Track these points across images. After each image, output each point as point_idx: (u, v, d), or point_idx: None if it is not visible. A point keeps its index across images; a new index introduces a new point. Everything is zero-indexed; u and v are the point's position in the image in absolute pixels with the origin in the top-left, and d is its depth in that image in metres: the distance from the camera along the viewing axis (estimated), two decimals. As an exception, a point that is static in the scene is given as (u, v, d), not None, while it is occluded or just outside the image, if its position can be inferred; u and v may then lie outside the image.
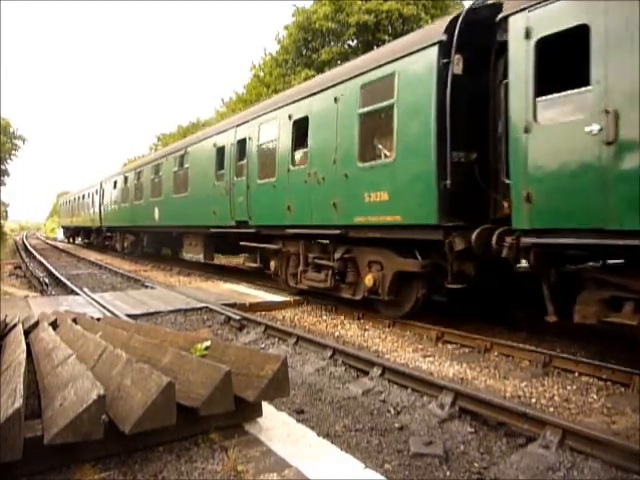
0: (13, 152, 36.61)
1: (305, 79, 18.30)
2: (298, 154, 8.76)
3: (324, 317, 7.98)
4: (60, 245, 33.42)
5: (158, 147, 38.63)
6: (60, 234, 58.28)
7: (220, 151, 11.43)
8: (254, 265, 10.61)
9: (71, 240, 37.44)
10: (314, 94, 8.08)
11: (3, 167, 36.66)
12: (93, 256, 21.80)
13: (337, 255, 7.60)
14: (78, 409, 1.97)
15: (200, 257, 13.48)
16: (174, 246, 18.60)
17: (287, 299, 9.01)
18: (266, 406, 2.75)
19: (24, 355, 2.80)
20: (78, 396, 2.07)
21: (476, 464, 3.20)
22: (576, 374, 4.88)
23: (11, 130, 35.74)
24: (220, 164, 11.46)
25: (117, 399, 2.26)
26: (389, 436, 3.60)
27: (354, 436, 3.59)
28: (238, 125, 10.59)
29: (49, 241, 42.59)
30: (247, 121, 10.13)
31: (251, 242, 10.11)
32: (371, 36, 19.99)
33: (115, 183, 21.71)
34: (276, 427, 2.60)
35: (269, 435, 2.49)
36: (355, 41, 20.95)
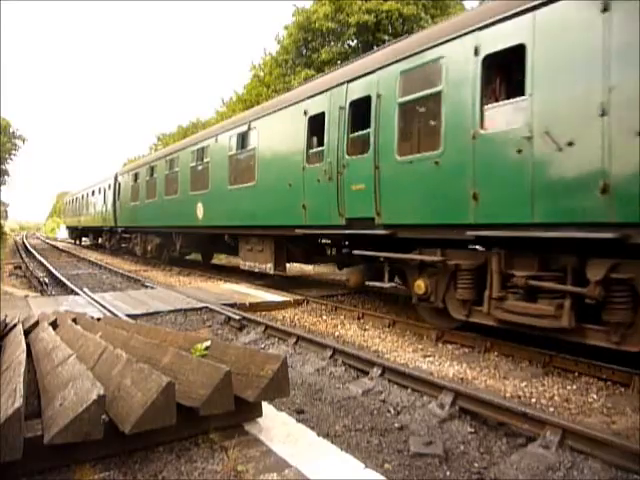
0: (13, 152, 36.61)
1: (305, 79, 18.30)
2: (495, 109, 5.43)
3: (324, 317, 7.98)
4: (60, 245, 33.40)
5: (158, 147, 38.62)
6: (60, 234, 58.32)
7: (315, 121, 8.19)
8: (376, 284, 7.17)
9: (77, 242, 35.57)
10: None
11: (3, 167, 36.65)
12: (93, 256, 21.81)
13: (594, 274, 4.48)
14: (78, 409, 1.97)
15: (266, 267, 10.15)
16: (220, 251, 15.99)
17: (287, 299, 9.01)
18: (266, 406, 2.75)
19: (24, 355, 2.80)
20: (78, 396, 2.07)
21: (476, 464, 3.20)
22: (576, 374, 4.89)
23: (11, 130, 35.73)
24: (315, 139, 8.43)
25: (117, 399, 2.26)
26: (389, 436, 3.60)
27: (354, 436, 3.59)
28: (352, 80, 7.31)
29: (49, 241, 42.53)
30: (372, 71, 6.92)
31: (371, 250, 7.05)
32: (371, 36, 19.99)
33: (136, 176, 18.55)
34: (276, 427, 2.60)
35: (269, 435, 2.49)
36: (355, 41, 20.95)
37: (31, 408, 2.37)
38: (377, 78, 6.77)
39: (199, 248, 16.47)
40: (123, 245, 21.73)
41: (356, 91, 7.25)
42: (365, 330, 7.04)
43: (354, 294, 9.95)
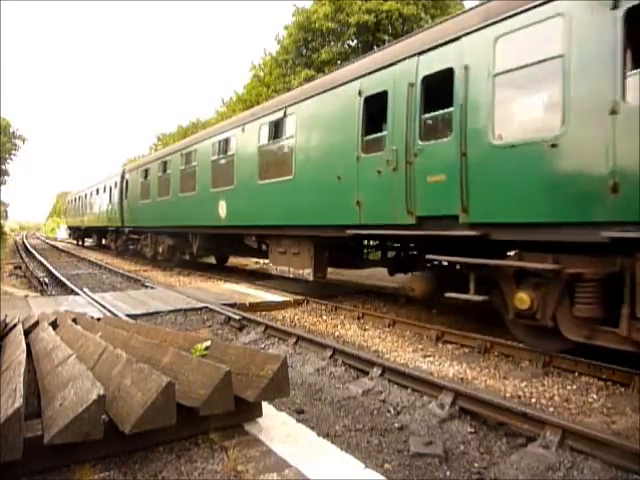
0: (13, 152, 36.60)
1: (305, 79, 18.31)
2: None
3: (324, 317, 7.98)
4: (60, 245, 33.39)
5: (158, 147, 38.63)
6: (60, 234, 58.31)
7: (373, 101, 6.97)
8: (460, 296, 5.72)
9: (80, 242, 34.09)
10: None
11: (3, 167, 36.63)
12: (93, 256, 21.80)
13: None
14: (78, 409, 1.97)
15: (304, 272, 8.80)
16: (242, 253, 14.55)
17: (287, 299, 9.01)
18: (266, 406, 2.75)
19: (24, 355, 2.80)
20: (78, 396, 2.07)
21: (476, 464, 3.20)
22: (576, 374, 4.89)
23: (11, 130, 35.73)
24: (372, 124, 7.27)
25: (117, 399, 2.26)
26: (389, 436, 3.60)
27: (354, 436, 3.59)
28: (425, 51, 6.14)
29: (49, 241, 42.53)
30: (454, 39, 5.73)
31: (452, 255, 5.87)
32: (371, 36, 20.00)
33: (146, 172, 17.21)
34: (276, 427, 2.60)
35: (269, 435, 2.49)
36: (355, 41, 20.96)
37: (31, 408, 2.37)
38: (462, 47, 5.60)
39: (219, 250, 14.90)
40: (131, 246, 20.32)
41: (431, 64, 6.04)
42: (365, 330, 7.04)
43: (354, 294, 9.95)
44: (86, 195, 28.56)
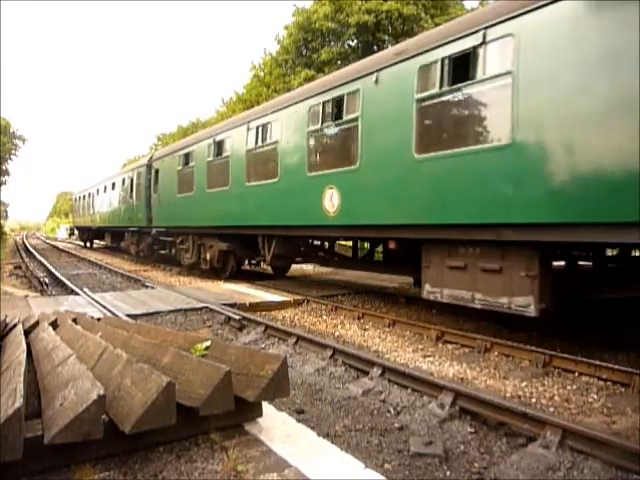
0: (13, 152, 36.59)
1: (305, 79, 18.31)
2: None
3: (324, 317, 7.98)
4: (60, 245, 33.39)
5: (158, 147, 38.63)
6: (60, 234, 58.29)
7: None
8: None
9: (88, 244, 31.23)
10: None
11: (3, 167, 36.61)
12: (93, 256, 21.80)
13: None
14: (78, 409, 1.97)
15: (516, 303, 5.26)
16: (342, 264, 10.92)
17: (287, 299, 9.01)
18: (266, 406, 2.75)
19: (24, 355, 2.80)
20: (78, 396, 2.07)
21: (476, 464, 3.20)
22: (576, 374, 4.89)
23: (11, 130, 35.73)
24: None
25: (117, 399, 2.26)
26: (389, 436, 3.60)
27: (354, 436, 3.59)
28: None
29: (49, 241, 42.53)
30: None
31: None
32: (371, 36, 20.01)
33: (187, 158, 13.38)
34: (276, 427, 2.60)
35: (269, 435, 2.49)
36: (355, 41, 20.97)
37: (31, 408, 2.37)
38: None
39: (307, 257, 11.25)
40: (161, 251, 16.70)
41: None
42: (365, 330, 7.04)
43: (354, 294, 9.96)
44: (97, 191, 25.18)
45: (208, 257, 12.57)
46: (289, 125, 8.88)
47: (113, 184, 21.67)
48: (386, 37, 19.79)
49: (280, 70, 22.77)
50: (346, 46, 21.08)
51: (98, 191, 25.04)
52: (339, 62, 19.78)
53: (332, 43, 21.27)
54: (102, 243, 30.32)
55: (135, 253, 19.45)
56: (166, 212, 14.95)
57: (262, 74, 24.21)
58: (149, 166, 16.74)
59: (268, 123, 9.55)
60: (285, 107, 9.02)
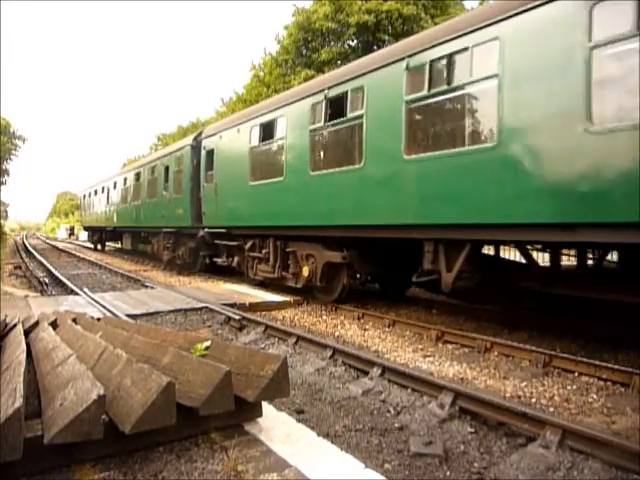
0: (13, 152, 36.57)
1: (305, 79, 18.31)
2: None
3: (324, 317, 7.98)
4: (60, 245, 33.38)
5: (158, 147, 38.62)
6: (60, 234, 58.28)
7: None
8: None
9: (99, 247, 27.26)
10: None
11: (3, 167, 36.58)
12: (93, 256, 21.80)
13: None
14: (78, 409, 1.97)
15: None
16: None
17: (287, 299, 9.01)
18: (266, 406, 2.75)
19: (24, 355, 2.80)
20: (78, 396, 2.07)
21: (476, 464, 3.20)
22: (576, 374, 4.89)
23: (11, 130, 35.72)
24: None
25: (117, 399, 2.26)
26: (389, 436, 3.60)
27: (354, 436, 3.59)
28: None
29: (49, 241, 42.52)
30: None
31: None
32: (371, 36, 20.02)
33: (269, 128, 9.51)
34: (276, 427, 2.60)
35: (269, 435, 2.49)
36: (355, 41, 20.97)
37: (31, 408, 2.37)
38: None
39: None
40: (215, 260, 12.63)
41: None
42: (365, 330, 7.04)
43: (354, 294, 9.94)
44: (115, 185, 21.30)
45: (304, 272, 8.64)
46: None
47: (137, 175, 18.08)
48: (386, 37, 19.78)
49: (280, 70, 22.76)
50: (346, 46, 21.08)
51: (115, 185, 21.13)
52: (339, 62, 19.78)
53: (332, 43, 21.27)
54: (115, 245, 27.17)
55: (168, 260, 15.31)
56: (228, 207, 11.01)
57: (262, 74, 24.20)
58: (196, 147, 12.81)
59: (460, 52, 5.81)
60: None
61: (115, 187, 21.53)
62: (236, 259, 11.32)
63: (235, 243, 11.11)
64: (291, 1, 36.53)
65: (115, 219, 21.23)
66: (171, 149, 15.39)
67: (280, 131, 9.15)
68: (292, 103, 8.86)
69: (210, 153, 11.98)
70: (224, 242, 11.56)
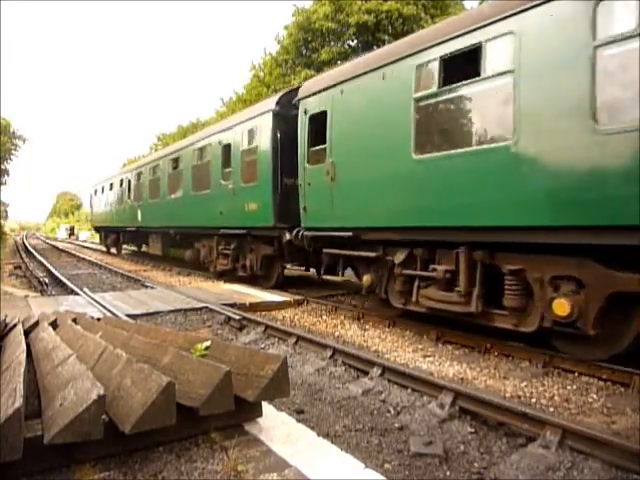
0: (13, 152, 36.55)
1: (305, 79, 18.32)
2: None
3: (324, 317, 7.98)
4: (60, 245, 33.37)
5: (158, 147, 38.62)
6: (60, 234, 58.22)
7: None
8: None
9: (115, 250, 23.17)
10: None
11: (3, 167, 36.56)
12: (93, 256, 21.80)
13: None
14: (78, 409, 1.97)
15: None
16: None
17: (287, 299, 9.01)
18: (266, 406, 2.75)
19: (24, 355, 2.80)
20: (78, 396, 2.07)
21: (476, 464, 3.20)
22: (576, 374, 4.89)
23: (11, 130, 35.70)
24: None
25: (117, 399, 2.26)
26: (389, 436, 3.60)
27: (354, 436, 3.59)
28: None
29: (49, 241, 42.52)
30: None
31: None
32: (371, 36, 20.01)
33: (474, 58, 5.43)
34: (276, 427, 2.60)
35: (269, 435, 2.49)
36: (355, 41, 20.97)
37: (31, 408, 2.37)
38: None
39: None
40: (326, 277, 8.73)
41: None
42: (365, 330, 7.04)
43: (354, 294, 9.95)
44: (138, 176, 17.65)
45: (560, 309, 4.82)
46: None
47: (174, 162, 14.30)
48: (386, 37, 19.76)
49: (280, 70, 22.74)
50: (346, 46, 21.06)
51: (140, 176, 17.42)
52: (339, 62, 19.77)
53: (332, 43, 21.25)
54: (131, 249, 23.36)
55: (224, 272, 11.63)
56: (359, 198, 7.22)
57: (262, 74, 24.17)
58: (281, 113, 9.19)
59: None
60: None
61: (139, 179, 17.56)
62: (368, 277, 7.29)
63: (371, 254, 7.07)
64: (291, 1, 36.56)
65: (140, 218, 17.08)
66: (235, 120, 11.08)
67: (498, 61, 5.25)
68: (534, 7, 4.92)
69: (317, 119, 7.99)
70: (346, 252, 7.54)
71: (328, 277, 8.70)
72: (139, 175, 17.96)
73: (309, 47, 21.62)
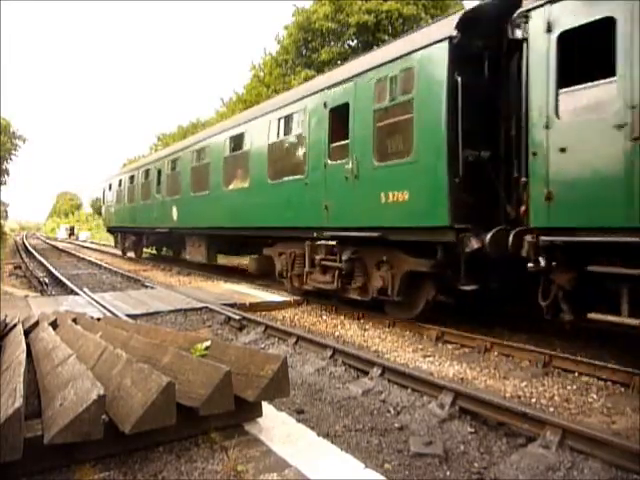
0: (13, 152, 36.54)
1: (305, 79, 18.32)
2: None
3: (324, 317, 7.98)
4: (60, 245, 33.37)
5: (158, 147, 38.61)
6: (60, 233, 58.19)
7: None
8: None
9: (131, 254, 20.13)
10: None
11: (3, 167, 36.55)
12: (93, 256, 21.80)
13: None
14: (78, 409, 1.97)
15: None
16: None
17: (287, 299, 9.01)
18: (266, 406, 2.75)
19: (24, 355, 2.80)
20: (78, 396, 2.07)
21: (476, 464, 3.20)
22: (576, 374, 4.89)
23: (11, 130, 35.69)
24: None
25: (117, 399, 2.26)
26: (389, 436, 3.60)
27: (354, 436, 3.59)
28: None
29: (49, 241, 42.52)
30: None
31: None
32: (371, 36, 20.00)
33: None
34: (276, 427, 2.60)
35: (269, 435, 2.49)
36: (355, 41, 20.97)
37: (31, 408, 2.37)
38: None
39: None
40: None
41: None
42: (365, 330, 7.04)
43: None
44: (174, 165, 14.06)
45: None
46: None
47: (235, 140, 10.71)
48: (386, 37, 19.76)
49: (280, 70, 22.74)
50: (346, 46, 21.06)
51: (175, 164, 13.98)
52: (339, 62, 19.77)
53: (332, 43, 21.25)
54: (150, 251, 20.65)
55: (323, 291, 8.15)
56: None
57: (262, 74, 24.17)
58: (467, 44, 5.86)
59: None
60: None
61: (175, 167, 13.97)
62: None
63: None
64: (291, 1, 36.55)
65: (175, 216, 13.68)
66: (363, 64, 7.37)
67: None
68: None
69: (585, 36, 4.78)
70: None
71: (602, 318, 5.26)
72: (174, 163, 14.15)
73: (309, 47, 21.62)
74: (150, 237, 17.83)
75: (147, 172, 16.75)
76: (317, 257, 8.04)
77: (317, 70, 19.89)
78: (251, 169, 10.02)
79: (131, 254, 20.34)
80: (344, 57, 19.78)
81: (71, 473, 2.08)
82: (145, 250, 20.31)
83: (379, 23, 19.74)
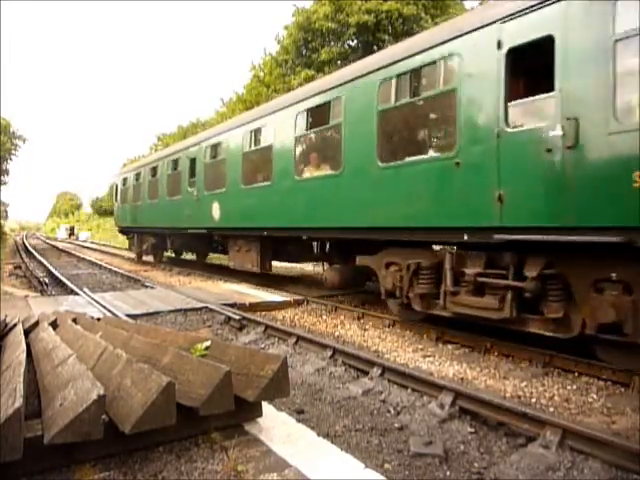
0: (13, 152, 36.54)
1: (305, 79, 18.33)
2: None
3: (324, 317, 7.98)
4: (60, 245, 33.36)
5: (158, 147, 38.61)
6: (60, 233, 58.17)
7: None
8: None
9: (148, 258, 17.57)
10: None
11: (3, 167, 36.55)
12: (93, 256, 21.80)
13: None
14: (78, 409, 1.97)
15: None
16: None
17: (287, 299, 9.01)
18: (266, 406, 2.75)
19: (24, 355, 2.80)
20: (78, 396, 2.07)
21: (476, 464, 3.20)
22: (576, 374, 4.89)
23: (11, 130, 35.69)
24: None
25: (117, 399, 2.26)
26: (389, 436, 3.60)
27: (354, 436, 3.59)
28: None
29: (49, 241, 42.52)
30: None
31: None
32: (371, 36, 20.02)
33: None
34: (276, 427, 2.60)
35: (269, 435, 2.49)
36: (355, 41, 20.98)
37: (31, 408, 2.37)
38: None
39: None
40: None
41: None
42: (365, 330, 7.04)
43: (354, 294, 9.95)
44: (214, 150, 11.53)
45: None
46: None
47: (312, 114, 8.02)
48: (386, 37, 19.77)
49: (280, 70, 22.76)
50: (346, 46, 21.08)
51: (216, 150, 11.52)
52: (339, 62, 19.78)
53: (332, 43, 21.26)
54: (169, 255, 18.08)
55: (477, 319, 5.60)
56: None
57: (262, 74, 24.19)
58: None
59: None
60: None
61: (215, 155, 11.50)
62: None
63: None
64: (291, 1, 36.54)
65: (217, 214, 11.13)
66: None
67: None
68: None
69: None
70: None
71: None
72: (215, 149, 11.47)
73: (309, 47, 21.64)
74: (176, 240, 15.20)
75: (175, 162, 13.67)
76: (469, 271, 5.57)
77: (317, 70, 19.90)
78: (345, 150, 7.15)
79: (149, 258, 17.44)
80: (344, 57, 19.80)
81: (71, 473, 2.08)
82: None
83: (379, 23, 19.76)
